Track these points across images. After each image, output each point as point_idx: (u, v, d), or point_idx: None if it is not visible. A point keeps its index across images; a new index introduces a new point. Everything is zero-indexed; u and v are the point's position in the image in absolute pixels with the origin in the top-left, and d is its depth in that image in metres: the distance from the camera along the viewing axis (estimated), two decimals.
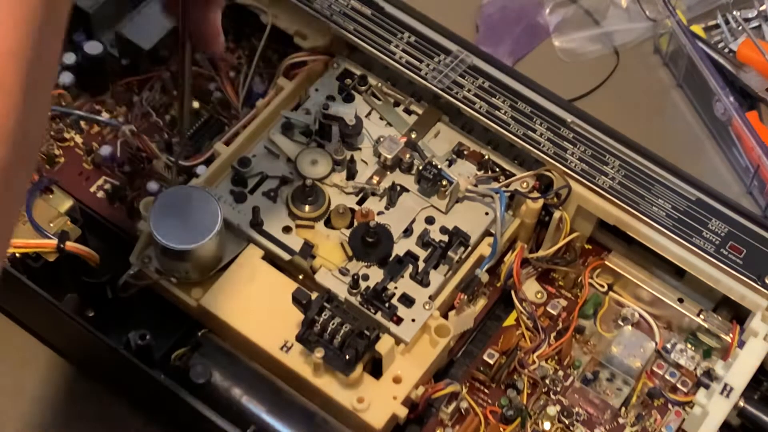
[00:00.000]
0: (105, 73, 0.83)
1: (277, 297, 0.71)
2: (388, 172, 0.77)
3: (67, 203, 0.74)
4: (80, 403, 0.76)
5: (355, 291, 0.72)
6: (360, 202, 0.76)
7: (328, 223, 0.75)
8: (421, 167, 0.76)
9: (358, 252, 0.73)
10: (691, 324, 0.75)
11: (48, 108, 0.47)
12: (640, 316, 0.76)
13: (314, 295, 0.70)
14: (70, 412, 0.76)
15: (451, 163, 0.78)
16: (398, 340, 0.71)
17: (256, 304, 0.72)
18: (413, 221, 0.75)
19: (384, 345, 0.69)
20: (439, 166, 0.76)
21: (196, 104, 0.83)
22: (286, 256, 0.73)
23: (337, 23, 0.80)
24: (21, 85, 0.43)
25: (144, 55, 0.82)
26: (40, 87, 0.46)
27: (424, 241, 0.74)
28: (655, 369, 0.75)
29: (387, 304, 0.72)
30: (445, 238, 0.74)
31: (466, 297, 0.72)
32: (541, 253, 0.76)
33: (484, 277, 0.74)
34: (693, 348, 0.75)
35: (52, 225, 0.72)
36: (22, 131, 0.44)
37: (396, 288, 0.72)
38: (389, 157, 0.76)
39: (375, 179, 0.77)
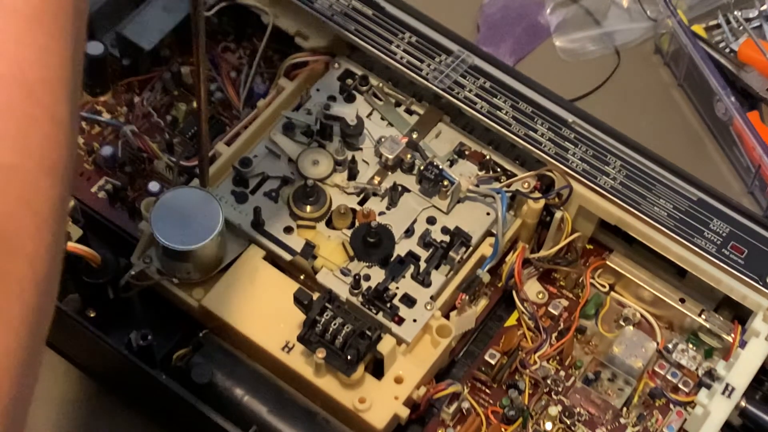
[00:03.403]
0: (106, 74, 0.83)
1: (279, 297, 0.71)
2: (390, 173, 0.77)
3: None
4: (80, 403, 0.76)
5: (356, 291, 0.72)
6: (361, 203, 0.76)
7: (329, 224, 0.75)
8: (422, 167, 0.76)
9: (359, 252, 0.73)
10: (693, 324, 0.75)
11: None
12: (642, 316, 0.76)
13: (316, 296, 0.70)
14: (70, 412, 0.76)
15: (452, 163, 0.78)
16: (400, 341, 0.71)
17: (257, 305, 0.72)
18: (414, 221, 0.75)
19: (385, 345, 0.69)
20: (440, 167, 0.76)
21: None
22: (288, 257, 0.73)
23: (338, 23, 0.80)
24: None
25: (145, 55, 0.82)
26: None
27: (426, 242, 0.74)
28: (656, 369, 0.75)
29: (388, 305, 0.72)
30: (447, 238, 0.74)
31: (467, 297, 0.72)
32: (542, 253, 0.76)
33: (486, 278, 0.74)
34: (694, 348, 0.75)
35: None
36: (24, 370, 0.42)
37: (397, 288, 0.72)
38: (390, 157, 0.76)
39: (376, 179, 0.77)
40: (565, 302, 0.77)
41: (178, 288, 0.72)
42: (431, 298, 0.72)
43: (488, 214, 0.76)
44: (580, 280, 0.77)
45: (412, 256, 0.74)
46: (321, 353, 0.68)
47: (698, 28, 0.93)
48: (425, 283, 0.73)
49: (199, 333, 0.72)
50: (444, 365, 0.74)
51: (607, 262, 0.77)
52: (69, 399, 0.76)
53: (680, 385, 0.74)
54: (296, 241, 0.74)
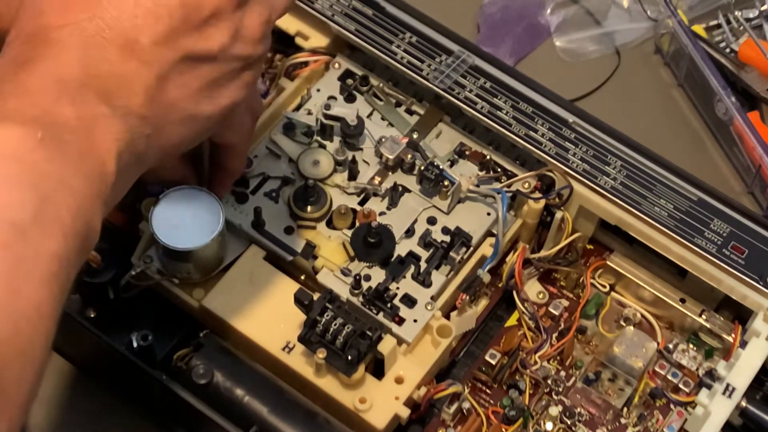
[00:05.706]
0: None
1: (279, 298, 0.71)
2: (390, 173, 0.77)
3: None
4: (81, 403, 0.76)
5: (357, 291, 0.72)
6: (362, 203, 0.76)
7: (329, 224, 0.75)
8: (422, 167, 0.76)
9: (359, 252, 0.73)
10: (693, 324, 0.75)
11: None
12: (642, 316, 0.76)
13: (316, 296, 0.70)
14: (71, 413, 0.76)
15: (452, 163, 0.78)
16: (400, 341, 0.71)
17: (257, 305, 0.71)
18: (415, 222, 0.75)
19: (386, 345, 0.69)
20: (440, 167, 0.76)
21: None
22: (288, 257, 0.73)
23: (338, 23, 0.80)
24: None
25: None
26: None
27: (426, 242, 0.74)
28: (657, 369, 0.75)
29: (389, 305, 0.71)
30: (447, 238, 0.74)
31: (467, 297, 0.72)
32: (542, 253, 0.76)
33: (486, 278, 0.73)
34: (695, 348, 0.75)
35: None
36: None
37: (398, 288, 0.72)
38: (391, 157, 0.76)
39: (377, 180, 0.77)
40: (565, 302, 0.77)
41: (178, 288, 0.72)
42: (432, 298, 0.72)
43: (489, 214, 0.76)
44: (581, 280, 0.77)
45: (413, 257, 0.74)
46: (321, 353, 0.68)
47: (698, 28, 0.93)
48: (426, 283, 0.73)
49: (200, 333, 0.72)
50: (444, 365, 0.74)
51: (608, 262, 0.77)
52: (68, 399, 0.76)
53: (681, 386, 0.74)
54: (297, 242, 0.74)
